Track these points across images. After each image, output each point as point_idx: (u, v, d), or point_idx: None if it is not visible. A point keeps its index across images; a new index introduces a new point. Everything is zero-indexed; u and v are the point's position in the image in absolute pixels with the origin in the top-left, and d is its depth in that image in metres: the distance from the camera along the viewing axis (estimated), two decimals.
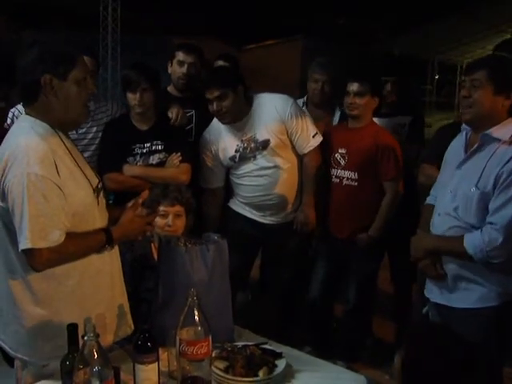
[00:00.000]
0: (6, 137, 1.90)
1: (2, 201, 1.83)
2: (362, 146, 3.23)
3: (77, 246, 1.88)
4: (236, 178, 3.30)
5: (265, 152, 3.16)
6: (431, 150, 3.19)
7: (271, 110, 3.16)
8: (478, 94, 2.15)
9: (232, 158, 3.22)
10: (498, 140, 2.13)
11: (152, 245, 2.61)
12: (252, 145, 3.17)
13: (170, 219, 2.56)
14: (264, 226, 3.32)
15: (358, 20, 17.36)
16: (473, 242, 2.12)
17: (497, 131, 2.14)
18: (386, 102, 3.55)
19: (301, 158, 3.27)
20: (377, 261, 3.41)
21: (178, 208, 2.59)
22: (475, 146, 2.19)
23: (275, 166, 3.19)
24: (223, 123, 3.18)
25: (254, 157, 3.18)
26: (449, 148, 2.45)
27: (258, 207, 3.29)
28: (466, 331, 2.10)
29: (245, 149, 3.18)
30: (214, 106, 3.07)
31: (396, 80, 3.59)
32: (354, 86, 3.20)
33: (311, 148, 3.24)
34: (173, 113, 3.23)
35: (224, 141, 3.23)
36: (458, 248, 2.16)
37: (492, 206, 2.10)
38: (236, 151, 3.20)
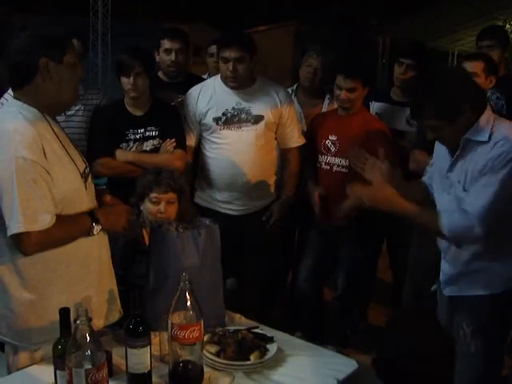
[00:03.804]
0: None
1: None
2: (353, 133, 3.22)
3: (65, 228, 1.87)
4: (209, 150, 3.18)
5: (254, 127, 3.11)
6: (421, 137, 3.19)
7: (273, 94, 3.18)
8: None
9: (216, 119, 3.12)
10: (478, 142, 2.14)
11: (143, 230, 2.61)
12: (243, 115, 3.11)
13: (162, 206, 2.55)
14: (230, 217, 3.17)
15: (351, 6, 17.26)
16: (450, 222, 2.14)
17: (475, 134, 2.15)
18: (403, 87, 3.49)
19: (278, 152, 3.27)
20: (367, 247, 3.41)
21: (170, 195, 2.57)
22: (458, 151, 2.20)
23: (256, 145, 3.13)
24: (230, 86, 3.10)
25: (240, 127, 3.11)
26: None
27: (226, 187, 3.16)
28: (470, 316, 2.14)
29: (233, 116, 3.11)
30: (230, 66, 3.00)
31: (415, 64, 3.43)
32: (346, 84, 3.15)
33: (298, 144, 3.27)
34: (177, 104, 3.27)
35: (215, 100, 3.14)
36: (432, 223, 2.17)
37: (467, 194, 2.14)
38: (223, 114, 3.11)
